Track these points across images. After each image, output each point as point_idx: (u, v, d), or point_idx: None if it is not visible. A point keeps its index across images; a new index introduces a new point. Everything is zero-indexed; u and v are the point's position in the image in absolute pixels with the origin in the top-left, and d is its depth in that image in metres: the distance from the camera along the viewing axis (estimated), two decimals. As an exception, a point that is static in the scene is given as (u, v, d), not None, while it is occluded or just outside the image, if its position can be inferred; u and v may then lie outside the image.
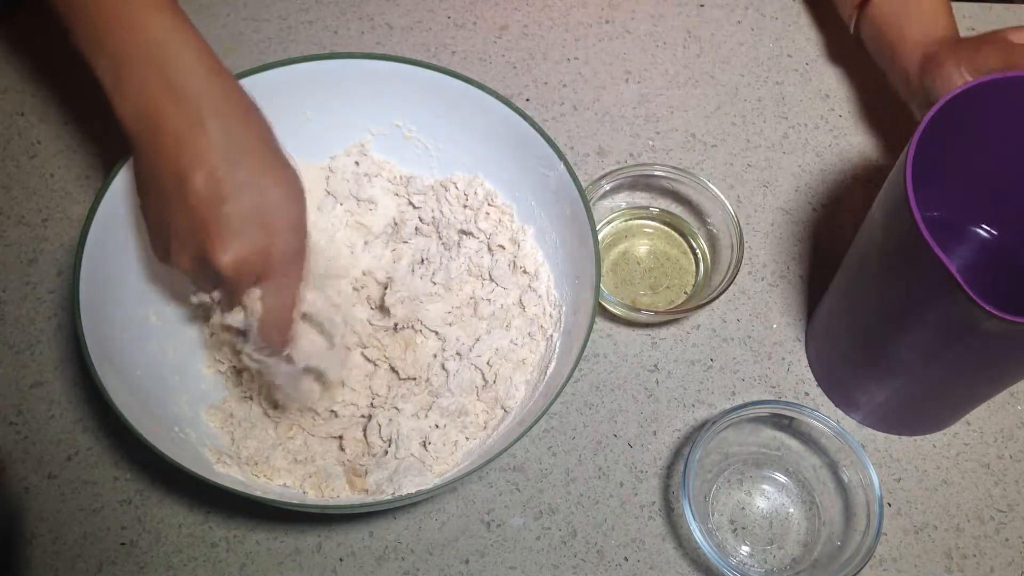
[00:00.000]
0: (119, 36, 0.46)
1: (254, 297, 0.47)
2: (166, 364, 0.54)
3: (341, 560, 0.55)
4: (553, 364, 0.54)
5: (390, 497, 0.50)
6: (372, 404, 0.57)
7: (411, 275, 0.59)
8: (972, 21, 0.74)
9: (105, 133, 0.68)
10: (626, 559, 0.55)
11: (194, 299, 0.51)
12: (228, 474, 0.51)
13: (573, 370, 0.49)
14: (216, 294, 0.49)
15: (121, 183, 0.51)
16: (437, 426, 0.54)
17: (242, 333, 0.49)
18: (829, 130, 0.70)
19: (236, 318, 0.48)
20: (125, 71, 0.46)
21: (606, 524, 0.56)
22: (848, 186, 0.67)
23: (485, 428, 0.55)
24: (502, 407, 0.55)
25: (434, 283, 0.59)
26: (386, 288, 0.59)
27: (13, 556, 0.54)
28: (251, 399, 0.56)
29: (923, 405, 0.57)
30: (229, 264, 0.45)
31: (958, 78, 0.56)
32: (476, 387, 0.56)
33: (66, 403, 0.59)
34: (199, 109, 0.45)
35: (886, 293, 0.49)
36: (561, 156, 0.54)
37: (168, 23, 0.46)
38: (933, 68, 0.58)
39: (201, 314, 0.55)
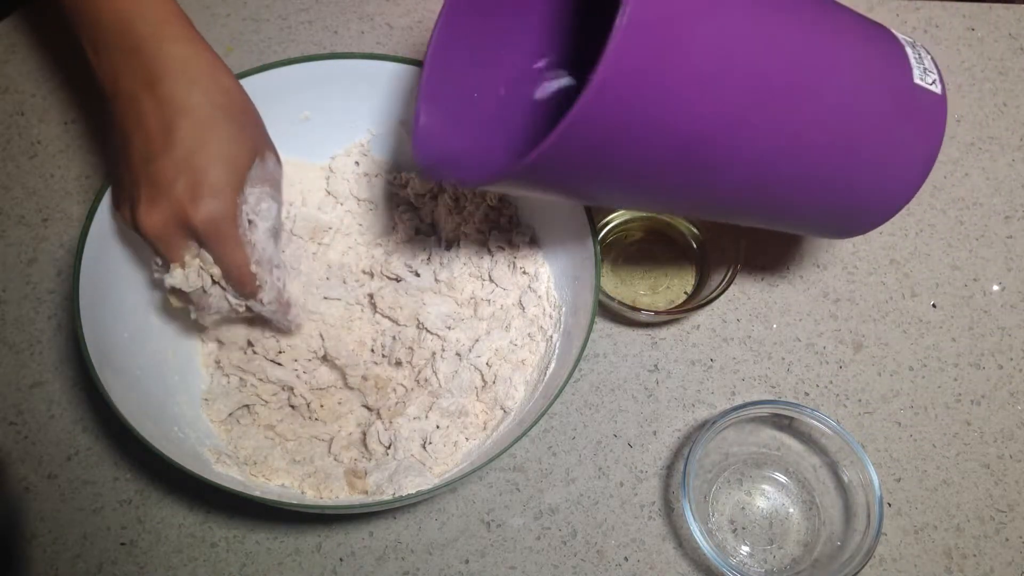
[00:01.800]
0: (95, 5, 0.47)
1: (208, 260, 0.48)
2: (166, 364, 0.54)
3: (341, 560, 0.55)
4: (553, 365, 0.54)
5: (390, 497, 0.50)
6: (372, 408, 0.57)
7: (412, 275, 0.59)
8: (972, 21, 0.74)
9: (105, 133, 0.68)
10: (626, 559, 0.55)
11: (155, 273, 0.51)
12: (227, 474, 0.51)
13: (573, 371, 0.49)
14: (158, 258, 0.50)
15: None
16: (438, 427, 0.54)
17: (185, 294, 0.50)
18: (829, 130, 0.70)
19: (175, 278, 0.48)
20: (100, 40, 0.47)
21: (606, 524, 0.56)
22: (848, 186, 0.67)
23: (485, 429, 0.55)
24: (502, 408, 0.55)
25: (437, 281, 0.59)
26: (384, 287, 0.59)
27: (13, 556, 0.54)
28: (248, 406, 0.56)
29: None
30: (146, 227, 0.46)
31: None
32: (476, 388, 0.56)
33: (66, 403, 0.59)
34: (151, 71, 0.46)
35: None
36: None
37: None
38: None
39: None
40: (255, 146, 0.49)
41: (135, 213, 0.47)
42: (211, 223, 0.46)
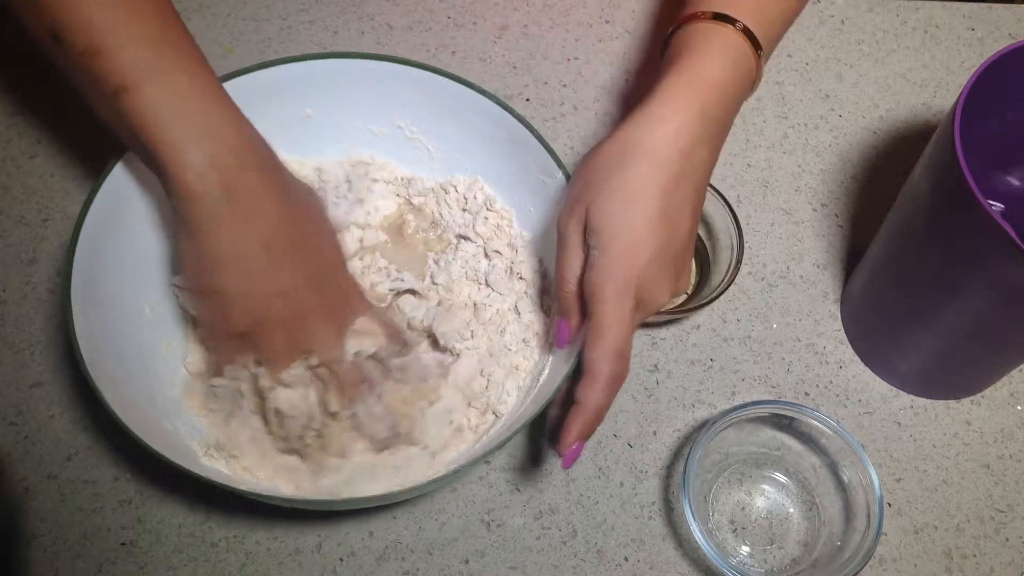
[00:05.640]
0: (181, 115, 0.46)
1: (367, 326, 0.52)
2: (158, 356, 0.54)
3: (341, 560, 0.55)
4: (546, 371, 0.54)
5: (386, 494, 0.49)
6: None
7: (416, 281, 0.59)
8: (972, 21, 0.74)
9: (105, 133, 0.67)
10: (626, 559, 0.55)
11: (227, 379, 0.52)
12: (215, 468, 0.50)
13: (566, 378, 0.49)
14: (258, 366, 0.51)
15: (115, 181, 0.51)
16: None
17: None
18: (829, 130, 0.70)
19: (346, 351, 0.51)
20: (188, 148, 0.46)
21: (606, 524, 0.56)
22: (848, 186, 0.67)
23: (476, 432, 0.55)
24: (493, 412, 0.55)
25: (435, 283, 0.59)
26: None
27: (13, 556, 0.54)
28: (243, 400, 0.56)
29: (967, 368, 0.57)
30: (327, 349, 0.50)
31: None
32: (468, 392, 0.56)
33: (66, 403, 0.59)
34: (262, 175, 0.48)
35: (933, 256, 0.48)
36: (560, 164, 0.54)
37: (216, 101, 0.47)
38: None
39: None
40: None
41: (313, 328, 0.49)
42: (353, 300, 0.53)
